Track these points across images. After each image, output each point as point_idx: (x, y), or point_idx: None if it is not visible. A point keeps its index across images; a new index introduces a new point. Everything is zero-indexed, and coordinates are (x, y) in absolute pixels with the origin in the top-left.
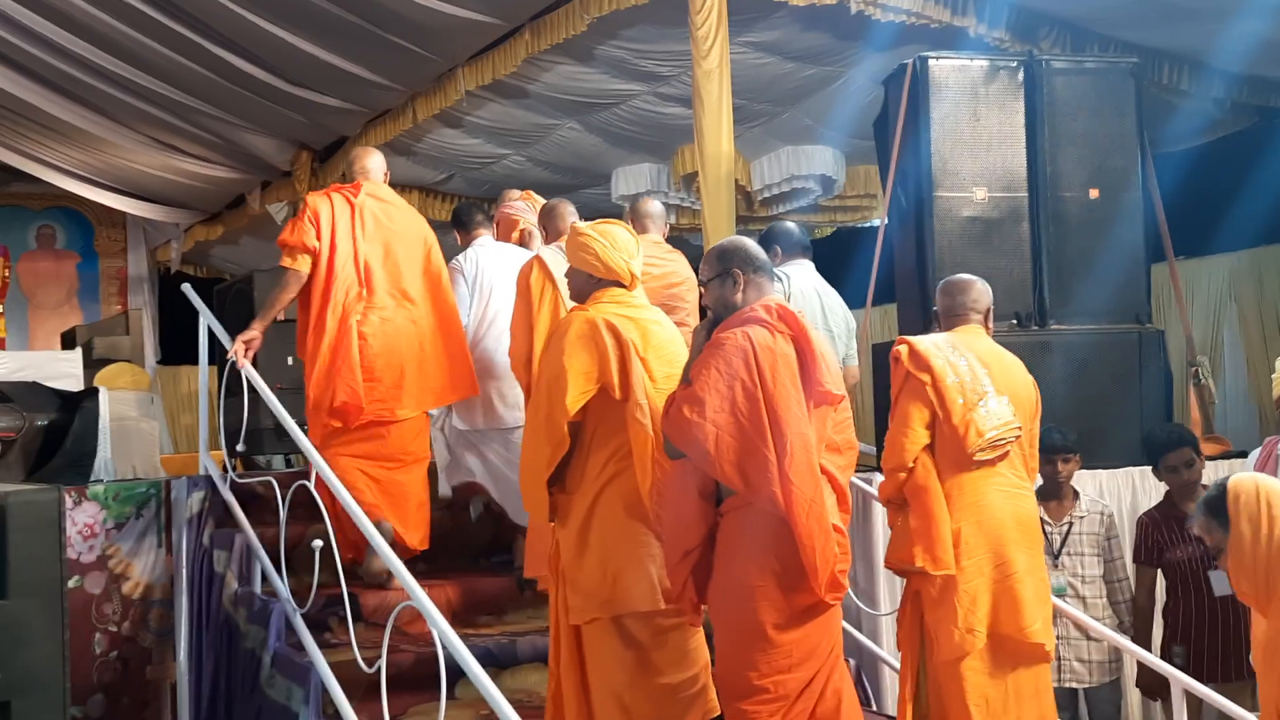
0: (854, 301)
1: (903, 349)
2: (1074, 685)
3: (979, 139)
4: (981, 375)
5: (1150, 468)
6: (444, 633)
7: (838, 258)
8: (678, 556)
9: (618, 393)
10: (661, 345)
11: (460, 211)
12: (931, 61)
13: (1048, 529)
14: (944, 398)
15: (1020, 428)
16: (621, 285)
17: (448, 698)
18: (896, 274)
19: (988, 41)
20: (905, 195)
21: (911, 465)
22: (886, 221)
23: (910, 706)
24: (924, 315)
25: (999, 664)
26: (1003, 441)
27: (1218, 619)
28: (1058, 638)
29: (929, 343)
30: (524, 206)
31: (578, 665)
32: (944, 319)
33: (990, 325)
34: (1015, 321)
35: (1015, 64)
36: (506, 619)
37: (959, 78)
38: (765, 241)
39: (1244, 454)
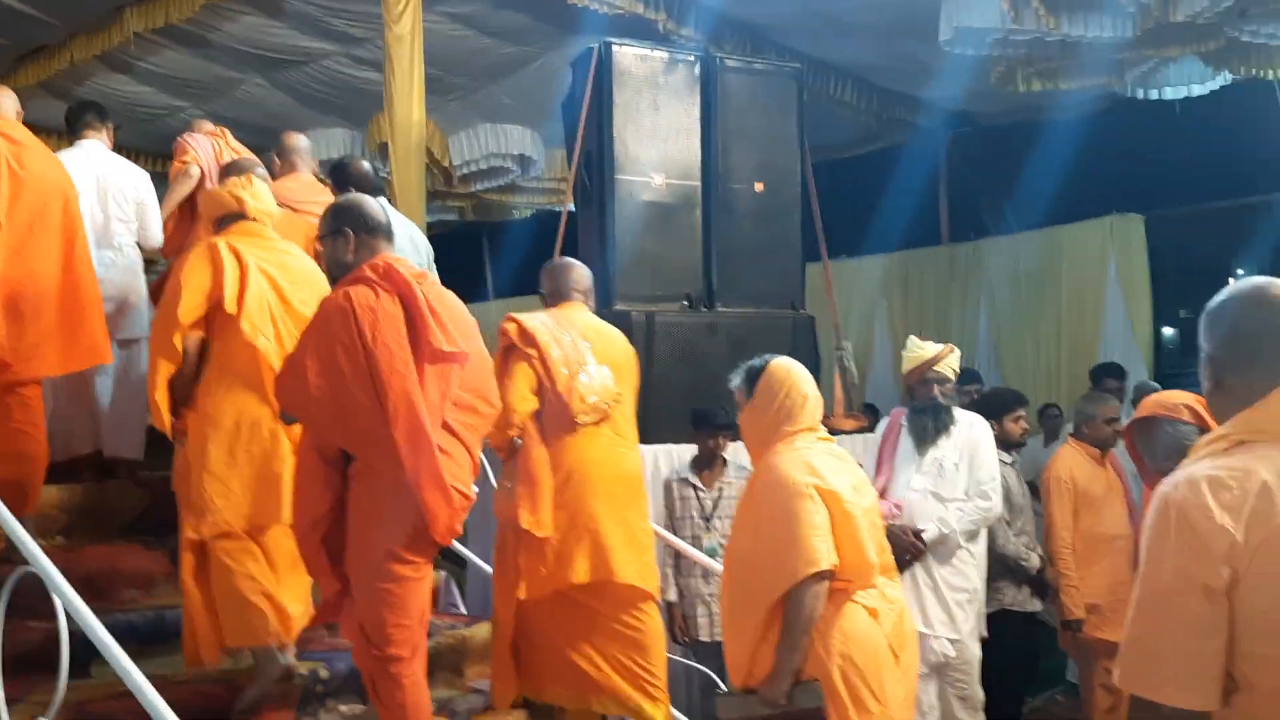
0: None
1: (511, 326)
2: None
3: (658, 127)
4: (583, 347)
5: None
6: (69, 602)
7: (536, 241)
8: (307, 525)
9: (231, 305)
10: (298, 274)
11: (68, 111)
12: (616, 48)
13: (701, 495)
14: (550, 369)
15: (620, 394)
16: (245, 218)
17: (82, 678)
18: (580, 256)
19: (676, 38)
20: (589, 178)
21: (520, 425)
22: (572, 205)
23: (509, 653)
24: (605, 299)
25: (598, 605)
26: (603, 406)
27: None
28: (709, 594)
29: (535, 321)
30: (202, 141)
31: (206, 580)
32: (549, 299)
33: (591, 302)
34: (686, 303)
35: (693, 59)
36: (156, 593)
37: (641, 67)
38: (336, 220)
39: (872, 429)
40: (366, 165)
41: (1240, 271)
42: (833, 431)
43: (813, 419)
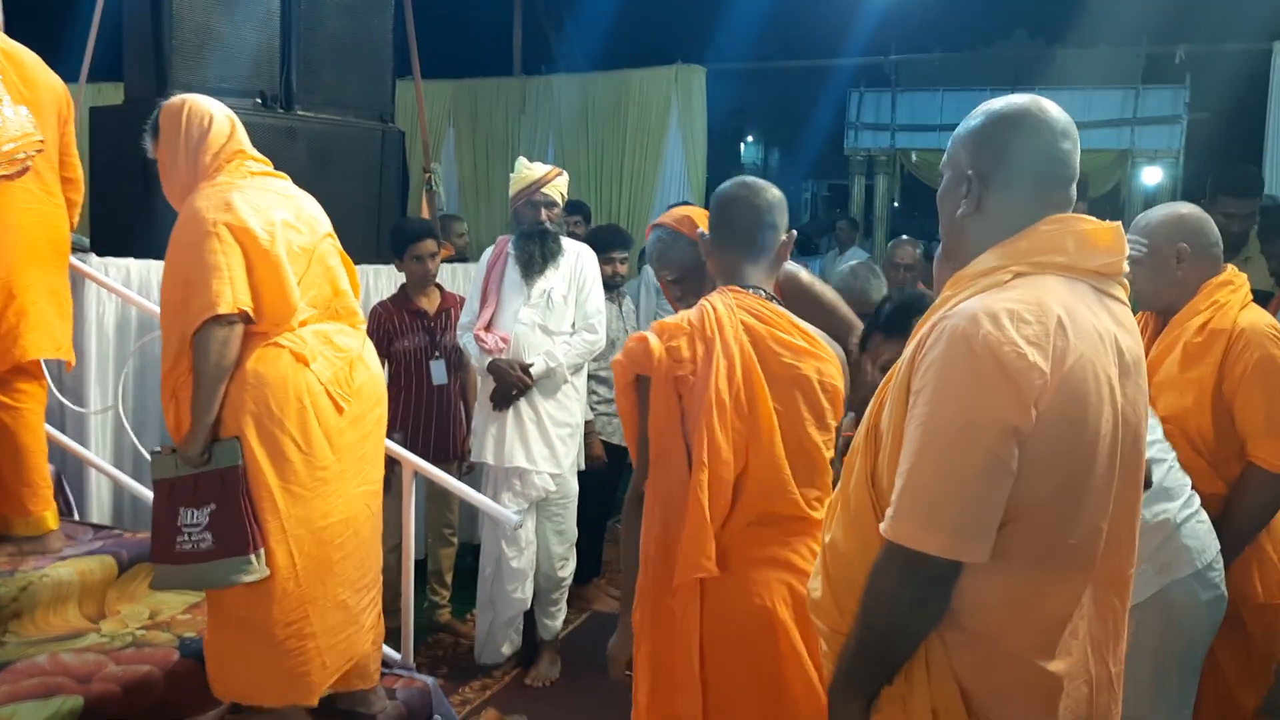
0: (70, 73)
1: None
2: None
3: None
4: None
5: (396, 260)
6: None
7: (49, 21)
8: None
9: None
10: None
11: None
12: None
13: None
14: None
15: (43, 141)
16: None
17: None
18: (125, 39)
19: None
20: None
21: None
22: None
23: None
24: (159, 88)
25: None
26: (23, 156)
27: (435, 406)
28: None
29: None
30: None
31: None
32: None
33: None
34: (260, 101)
35: None
36: None
37: None
38: None
39: (462, 259)
40: None
41: (750, 138)
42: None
43: (236, 145)
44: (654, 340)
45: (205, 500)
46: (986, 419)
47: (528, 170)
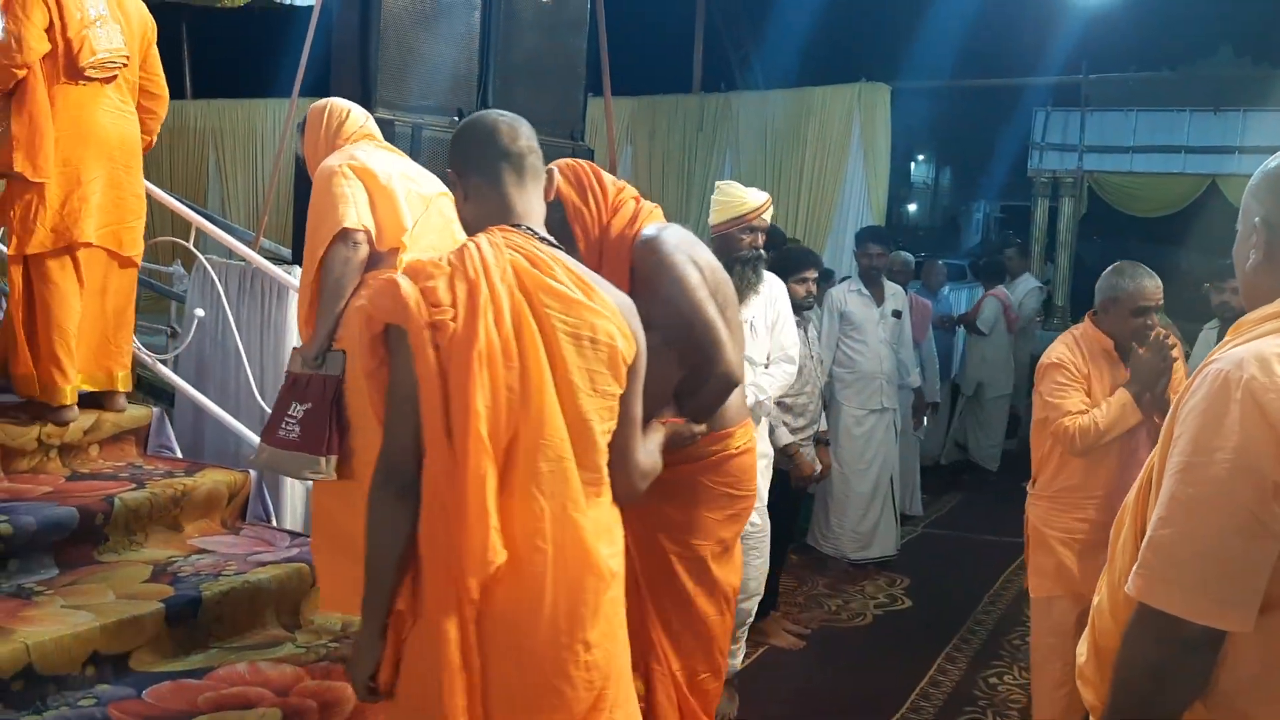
0: (284, 89)
1: None
2: None
3: None
4: None
5: None
6: None
7: (262, 40)
8: None
9: None
10: None
11: None
12: None
13: None
14: (64, 9)
15: (129, 56)
16: None
17: None
18: (334, 55)
19: None
20: None
21: (30, 65)
22: None
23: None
24: (363, 104)
25: (85, 273)
26: (113, 64)
27: None
28: None
29: None
30: None
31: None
32: None
33: None
34: (457, 118)
35: None
36: None
37: None
38: None
39: None
40: None
41: (920, 157)
42: None
43: (365, 131)
44: (405, 283)
45: (306, 398)
46: (1244, 473)
47: (741, 197)
